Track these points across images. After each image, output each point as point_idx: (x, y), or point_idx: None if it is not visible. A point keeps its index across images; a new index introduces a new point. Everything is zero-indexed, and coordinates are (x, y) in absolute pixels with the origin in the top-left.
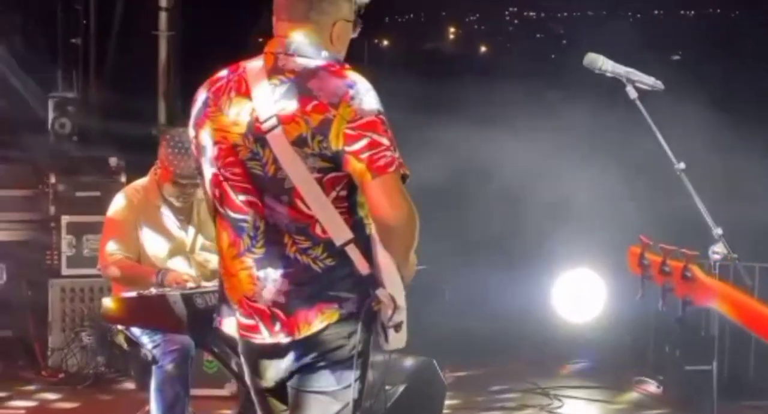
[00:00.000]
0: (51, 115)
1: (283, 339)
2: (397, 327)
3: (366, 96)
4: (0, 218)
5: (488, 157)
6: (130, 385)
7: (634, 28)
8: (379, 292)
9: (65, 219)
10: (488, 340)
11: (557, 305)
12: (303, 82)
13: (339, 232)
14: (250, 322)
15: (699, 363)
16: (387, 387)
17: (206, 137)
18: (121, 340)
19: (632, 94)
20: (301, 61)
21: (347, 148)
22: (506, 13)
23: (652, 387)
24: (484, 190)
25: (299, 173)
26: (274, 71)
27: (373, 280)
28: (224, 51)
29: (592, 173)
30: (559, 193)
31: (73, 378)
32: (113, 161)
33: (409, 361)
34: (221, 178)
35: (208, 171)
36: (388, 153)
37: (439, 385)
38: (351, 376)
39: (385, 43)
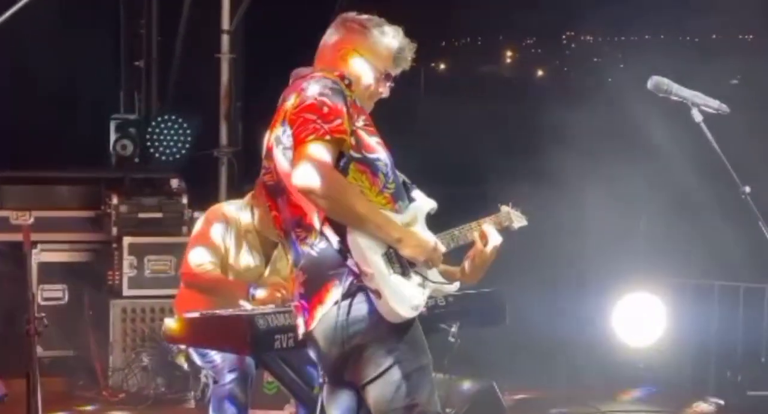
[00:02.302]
0: (113, 136)
1: (311, 326)
2: (375, 293)
3: (313, 85)
4: (62, 239)
5: (549, 180)
6: (190, 406)
7: (692, 51)
8: (348, 262)
9: (127, 240)
10: (548, 363)
11: (618, 329)
12: (285, 96)
13: (315, 215)
14: (297, 321)
15: (762, 388)
16: (448, 410)
17: None
18: (181, 360)
19: (697, 117)
20: (294, 85)
21: (290, 131)
22: (563, 36)
23: (713, 412)
24: (545, 213)
25: (283, 170)
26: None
27: (342, 253)
28: (284, 74)
29: (655, 198)
30: (621, 217)
31: (133, 398)
32: (175, 183)
33: (469, 384)
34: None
35: None
36: (312, 125)
37: (499, 408)
38: (384, 358)
39: (442, 67)
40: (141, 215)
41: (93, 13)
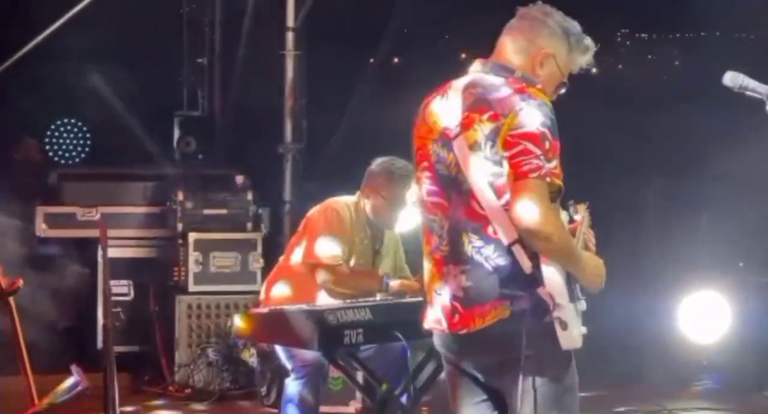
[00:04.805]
0: (176, 133)
1: (460, 331)
2: (562, 324)
3: (534, 111)
4: (128, 235)
5: (610, 178)
6: (255, 401)
7: (749, 48)
8: (539, 290)
9: (192, 236)
10: (613, 360)
11: (683, 326)
12: (486, 95)
13: (507, 232)
14: (436, 314)
15: None
16: None
17: (414, 141)
18: (247, 356)
19: None
20: (493, 79)
21: (505, 153)
22: (618, 34)
23: None
24: (606, 209)
25: (474, 175)
26: (469, 86)
27: (535, 279)
28: (348, 71)
29: (718, 195)
30: (684, 214)
31: (199, 394)
32: (239, 179)
33: None
34: (420, 181)
35: (415, 173)
36: (535, 161)
37: None
38: (528, 377)
39: None
40: (206, 211)
41: (156, 10)
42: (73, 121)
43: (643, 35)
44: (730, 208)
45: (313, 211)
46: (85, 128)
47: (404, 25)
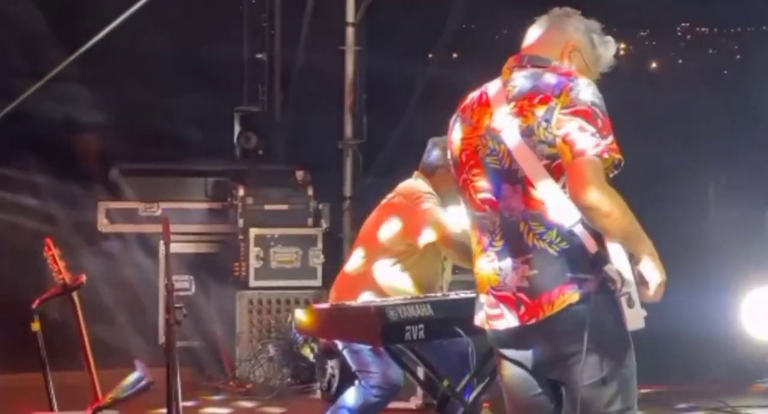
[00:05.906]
0: (236, 129)
1: (528, 321)
2: (629, 302)
3: (584, 89)
4: (189, 231)
5: (669, 168)
6: (316, 397)
7: None
8: (607, 267)
9: (253, 232)
10: (675, 356)
11: (746, 322)
12: (532, 82)
13: (568, 214)
14: (495, 311)
15: None
16: None
17: (456, 150)
18: (307, 351)
19: None
20: (533, 69)
21: (558, 132)
22: (678, 28)
23: None
24: (667, 203)
25: (528, 161)
26: (509, 81)
27: (602, 258)
28: (408, 66)
29: None
30: (749, 208)
31: (260, 389)
32: (300, 175)
33: None
34: (468, 182)
35: (460, 179)
36: (592, 138)
37: None
38: (596, 365)
39: None
40: (267, 207)
41: (215, 5)
42: None
43: (703, 29)
44: None
45: (399, 198)
46: None
47: (463, 21)
